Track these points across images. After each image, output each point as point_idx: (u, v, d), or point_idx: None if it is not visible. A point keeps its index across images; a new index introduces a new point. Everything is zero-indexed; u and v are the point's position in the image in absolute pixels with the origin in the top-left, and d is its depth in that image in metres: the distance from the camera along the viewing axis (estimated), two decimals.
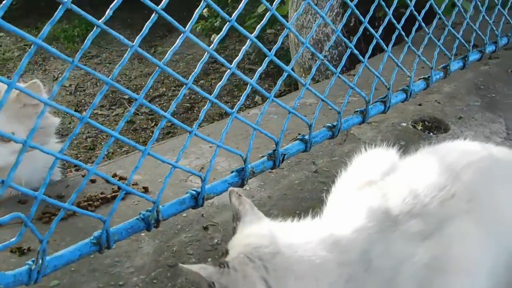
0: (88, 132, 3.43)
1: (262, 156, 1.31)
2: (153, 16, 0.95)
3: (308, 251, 0.92)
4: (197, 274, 0.88)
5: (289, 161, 1.73)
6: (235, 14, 1.10)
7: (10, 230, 1.40)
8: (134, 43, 0.93)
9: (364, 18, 1.39)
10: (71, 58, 0.84)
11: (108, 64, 4.59)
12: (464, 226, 0.92)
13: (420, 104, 2.13)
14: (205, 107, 1.11)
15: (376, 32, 1.43)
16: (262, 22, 1.17)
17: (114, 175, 1.68)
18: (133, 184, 1.63)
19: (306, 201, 1.55)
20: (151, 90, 4.00)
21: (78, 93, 4.04)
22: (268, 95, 1.22)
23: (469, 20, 1.76)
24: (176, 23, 0.99)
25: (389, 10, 1.45)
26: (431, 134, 1.95)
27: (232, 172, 1.24)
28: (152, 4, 0.93)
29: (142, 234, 1.40)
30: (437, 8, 1.61)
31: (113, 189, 1.60)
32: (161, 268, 1.31)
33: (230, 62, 1.11)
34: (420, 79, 1.69)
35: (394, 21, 1.47)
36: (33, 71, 4.40)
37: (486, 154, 1.07)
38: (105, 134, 3.28)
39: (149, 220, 1.08)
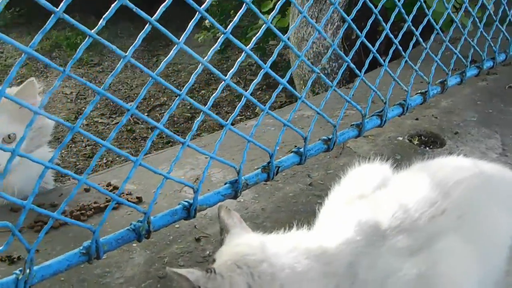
0: (87, 140, 3.42)
1: (257, 168, 1.30)
2: (147, 27, 0.95)
3: (291, 258, 0.93)
4: (184, 278, 0.89)
5: (284, 173, 1.73)
6: (230, 27, 1.10)
7: (0, 238, 1.39)
8: (127, 54, 0.93)
9: (368, 32, 1.39)
10: (62, 68, 0.84)
11: (109, 73, 4.59)
12: (452, 243, 0.92)
13: (417, 119, 2.13)
14: (204, 118, 1.11)
15: (373, 46, 1.43)
16: (257, 34, 1.18)
17: (109, 184, 1.67)
18: (127, 194, 1.62)
19: (300, 214, 1.54)
20: (152, 99, 4.01)
21: (79, 100, 4.05)
22: (262, 107, 1.22)
23: (467, 35, 1.76)
24: (170, 34, 0.99)
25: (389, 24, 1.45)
26: (427, 148, 1.94)
27: (225, 183, 1.24)
28: (145, 15, 0.93)
29: (134, 245, 1.40)
30: (435, 24, 1.61)
31: (106, 198, 1.59)
32: (151, 279, 1.30)
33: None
34: (417, 93, 1.68)
35: (391, 36, 1.47)
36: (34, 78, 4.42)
37: (478, 171, 1.07)
38: None
39: (140, 231, 1.07)
